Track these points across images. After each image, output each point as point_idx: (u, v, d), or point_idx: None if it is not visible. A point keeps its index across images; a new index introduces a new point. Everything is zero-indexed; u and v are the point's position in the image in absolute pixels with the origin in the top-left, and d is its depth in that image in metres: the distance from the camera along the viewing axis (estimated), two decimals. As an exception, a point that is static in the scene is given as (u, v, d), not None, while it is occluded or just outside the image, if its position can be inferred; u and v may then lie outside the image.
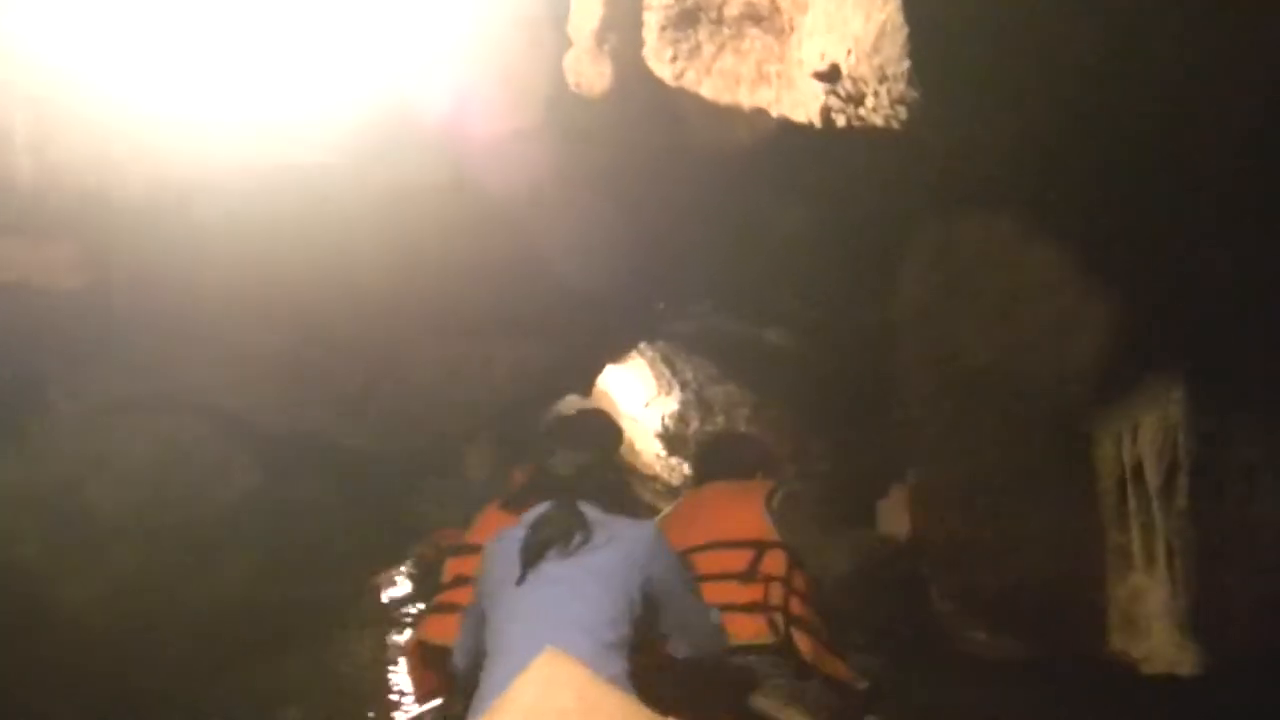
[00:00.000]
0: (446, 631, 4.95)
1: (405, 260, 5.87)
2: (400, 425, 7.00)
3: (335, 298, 6.00)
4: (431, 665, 5.24)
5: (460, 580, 5.22)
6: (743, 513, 5.29)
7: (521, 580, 4.15)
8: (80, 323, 5.50)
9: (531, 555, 4.19)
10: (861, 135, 4.34)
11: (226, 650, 7.19)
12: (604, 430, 5.76)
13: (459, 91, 4.86)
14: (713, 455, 5.96)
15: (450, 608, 5.17)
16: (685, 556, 4.97)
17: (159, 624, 6.84)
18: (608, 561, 4.21)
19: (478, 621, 4.36)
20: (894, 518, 6.48)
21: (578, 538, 4.24)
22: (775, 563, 5.06)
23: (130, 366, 6.01)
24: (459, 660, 4.61)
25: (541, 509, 4.39)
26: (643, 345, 10.33)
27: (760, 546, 5.10)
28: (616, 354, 9.26)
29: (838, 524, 6.13)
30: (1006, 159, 4.67)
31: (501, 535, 4.44)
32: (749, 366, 9.74)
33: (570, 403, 9.75)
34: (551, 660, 3.66)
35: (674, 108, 4.97)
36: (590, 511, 4.36)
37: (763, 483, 5.60)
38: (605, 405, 11.35)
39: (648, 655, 4.25)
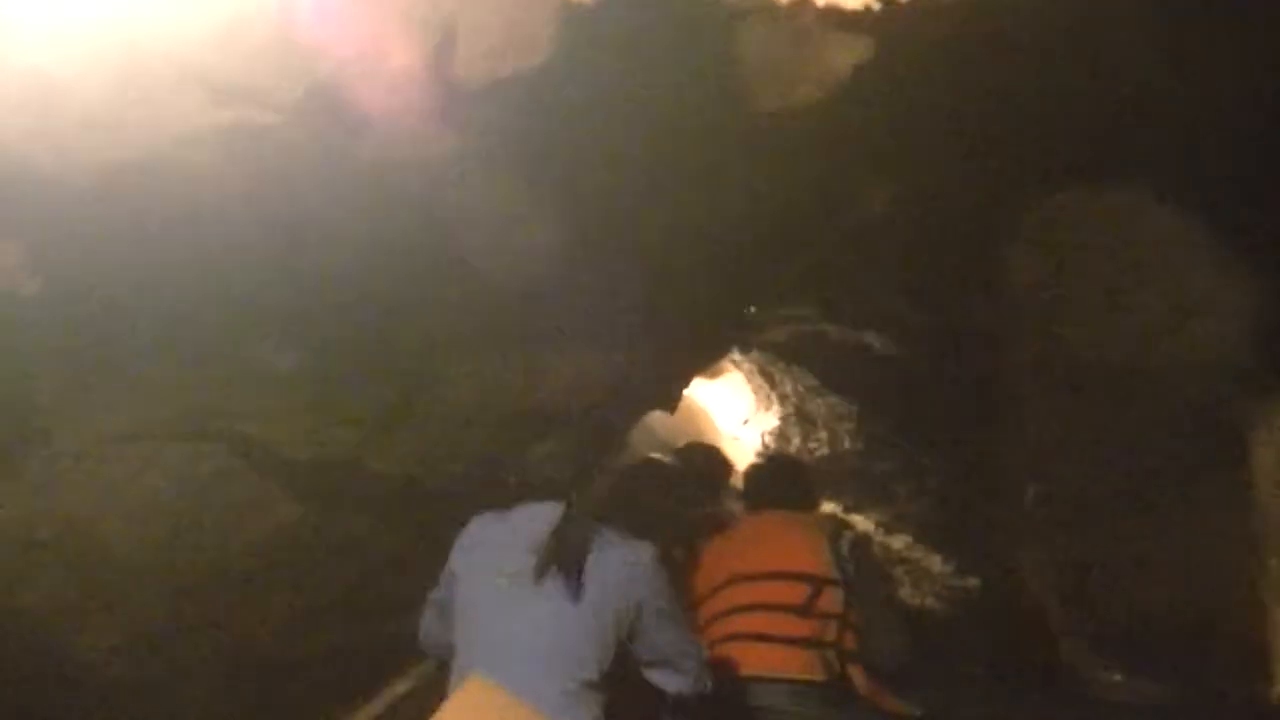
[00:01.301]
0: None
1: (421, 253, 5.13)
2: (437, 449, 6.29)
3: (348, 302, 5.27)
4: None
5: None
6: (802, 546, 5.20)
7: (540, 579, 3.94)
8: (49, 334, 4.79)
9: (541, 571, 3.96)
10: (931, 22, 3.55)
11: (264, 703, 6.62)
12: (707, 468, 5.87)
13: (444, 27, 4.07)
14: (765, 481, 5.82)
15: None
16: (737, 584, 5.06)
17: (187, 675, 6.25)
18: (600, 587, 3.97)
19: (443, 612, 4.24)
20: None
21: (581, 561, 4.00)
22: (832, 599, 4.99)
23: (131, 390, 5.32)
24: (426, 648, 4.53)
25: (540, 512, 4.14)
26: (738, 356, 9.79)
27: (818, 582, 5.02)
28: (701, 364, 8.50)
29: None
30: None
31: (484, 531, 4.24)
32: (852, 376, 9.11)
33: (656, 421, 9.37)
34: (479, 689, 3.72)
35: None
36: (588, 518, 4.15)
37: (818, 515, 5.73)
38: (701, 424, 11.03)
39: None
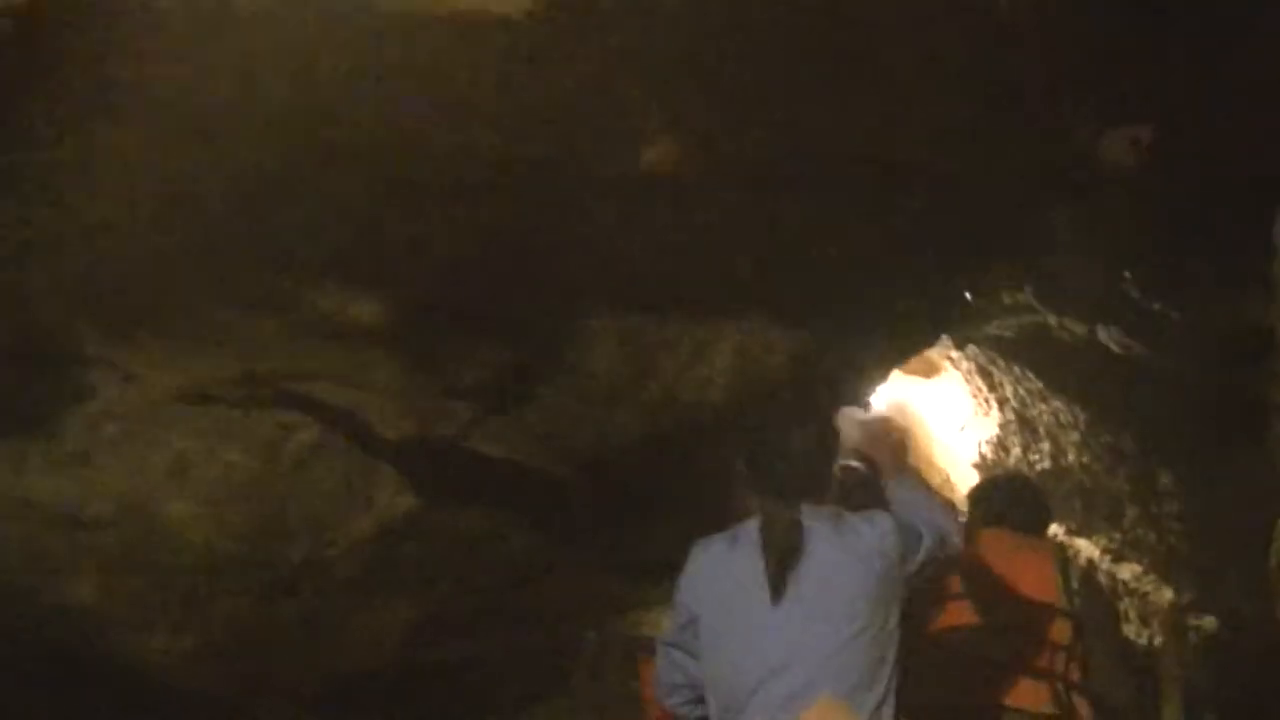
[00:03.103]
0: None
1: (552, 164, 4.24)
2: (569, 434, 5.55)
3: (448, 232, 4.42)
4: None
5: None
6: (1037, 574, 5.24)
7: (776, 601, 3.84)
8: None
9: (775, 579, 3.86)
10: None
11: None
12: None
13: None
14: (998, 500, 5.78)
15: None
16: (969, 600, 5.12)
17: (277, 691, 5.84)
18: (857, 572, 3.87)
19: (685, 651, 4.08)
20: None
21: (800, 552, 3.88)
22: (1063, 631, 5.09)
23: (190, 340, 4.64)
24: (666, 699, 4.27)
25: (756, 518, 4.02)
26: (954, 353, 9.02)
27: (1051, 612, 5.12)
28: (901, 354, 7.59)
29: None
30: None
31: (720, 558, 4.04)
32: (1080, 378, 8.21)
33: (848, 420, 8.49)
34: (828, 710, 3.64)
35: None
36: (820, 513, 3.97)
37: (1049, 542, 5.89)
38: (911, 427, 10.14)
39: None
